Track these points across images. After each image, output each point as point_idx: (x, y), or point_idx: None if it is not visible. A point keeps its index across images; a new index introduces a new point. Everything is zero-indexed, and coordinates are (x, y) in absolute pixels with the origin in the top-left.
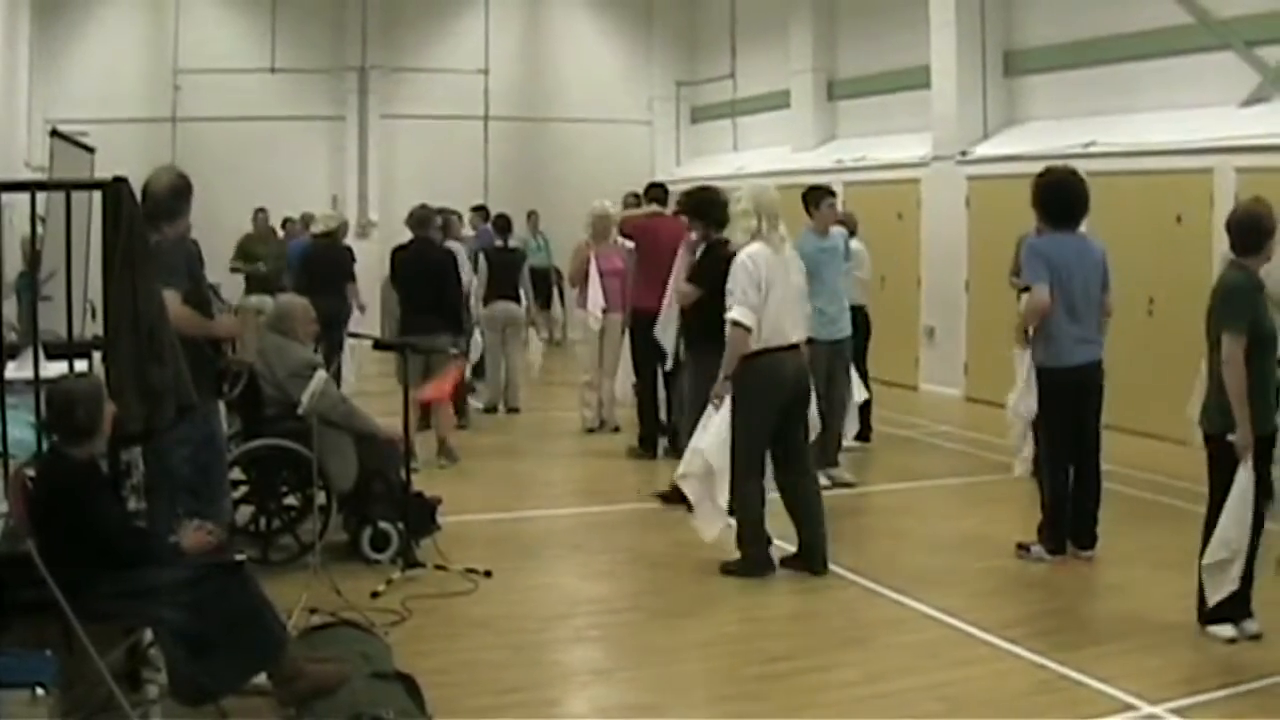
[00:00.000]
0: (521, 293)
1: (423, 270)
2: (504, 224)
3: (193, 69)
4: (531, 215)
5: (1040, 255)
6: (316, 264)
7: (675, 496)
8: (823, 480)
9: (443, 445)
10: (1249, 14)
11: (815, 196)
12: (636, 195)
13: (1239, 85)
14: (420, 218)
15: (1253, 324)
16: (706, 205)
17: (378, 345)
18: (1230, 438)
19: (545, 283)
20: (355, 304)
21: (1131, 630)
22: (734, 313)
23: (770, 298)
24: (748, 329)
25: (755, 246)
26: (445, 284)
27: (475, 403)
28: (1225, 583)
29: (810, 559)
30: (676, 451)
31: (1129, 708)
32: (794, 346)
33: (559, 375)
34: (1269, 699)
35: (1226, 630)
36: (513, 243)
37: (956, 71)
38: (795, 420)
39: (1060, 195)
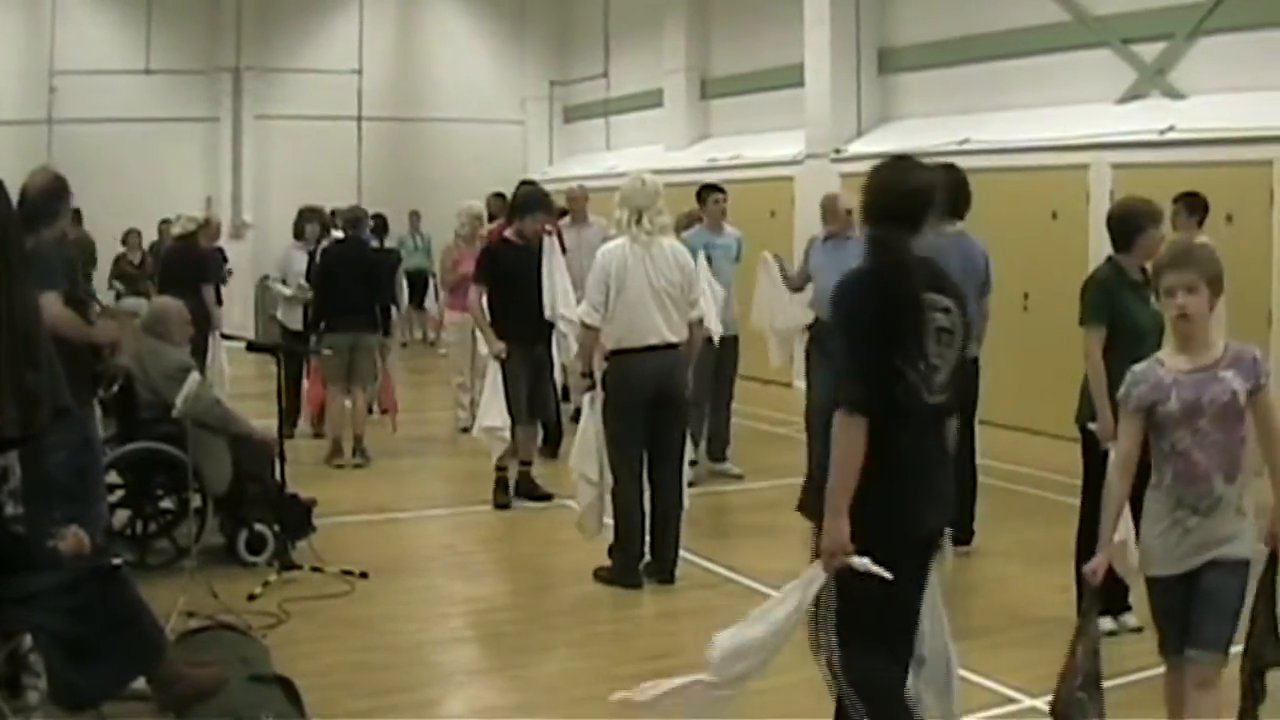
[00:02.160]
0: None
1: (356, 270)
2: (381, 225)
3: (69, 70)
4: (413, 215)
5: None
6: (173, 266)
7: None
8: (693, 476)
9: (358, 442)
10: (1125, 11)
11: (702, 194)
12: (500, 195)
13: (1115, 82)
14: (352, 217)
15: (1116, 318)
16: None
17: (251, 347)
18: (1091, 426)
19: (422, 283)
20: (212, 306)
21: (1011, 624)
22: (579, 310)
23: (622, 297)
24: (589, 326)
25: (612, 244)
26: (377, 284)
27: (347, 403)
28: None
29: (658, 567)
30: (550, 447)
31: (1010, 701)
32: (657, 347)
33: (432, 376)
34: (1148, 691)
35: (1106, 623)
36: (388, 243)
37: (830, 69)
38: (662, 423)
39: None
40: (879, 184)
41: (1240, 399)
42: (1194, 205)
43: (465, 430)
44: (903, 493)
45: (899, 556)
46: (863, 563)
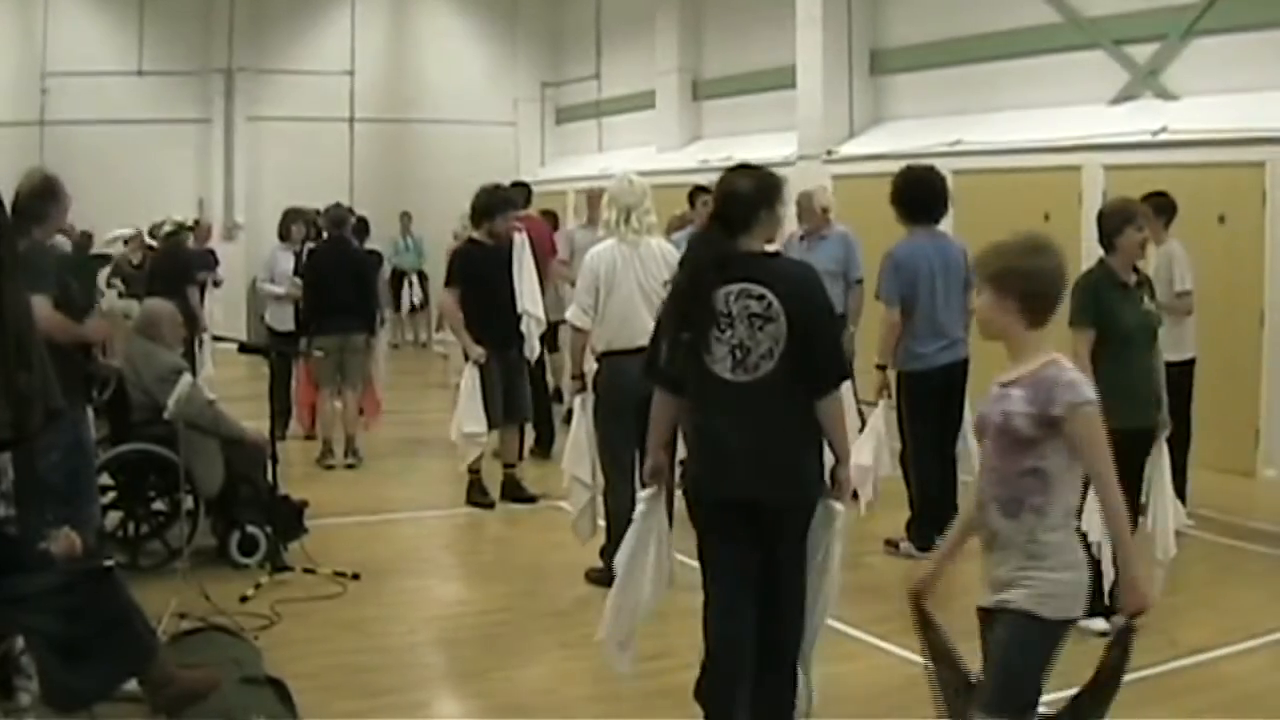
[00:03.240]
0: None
1: (342, 269)
2: (363, 226)
3: (61, 71)
4: (405, 216)
5: (898, 269)
6: (157, 267)
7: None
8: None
9: (350, 443)
10: (1117, 12)
11: (693, 196)
12: (523, 184)
13: (1108, 83)
14: (336, 217)
15: (1103, 320)
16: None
17: (243, 349)
18: None
19: (412, 284)
20: (196, 308)
21: None
22: (568, 313)
23: (613, 298)
24: (578, 329)
25: (602, 245)
26: (363, 283)
27: (337, 404)
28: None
29: None
30: (542, 449)
31: None
32: (647, 348)
33: (425, 378)
34: (1140, 692)
35: (1099, 624)
36: (371, 245)
37: (822, 70)
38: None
39: (919, 191)
40: (715, 189)
41: (1016, 424)
42: (1161, 205)
43: None
44: (702, 459)
45: (705, 513)
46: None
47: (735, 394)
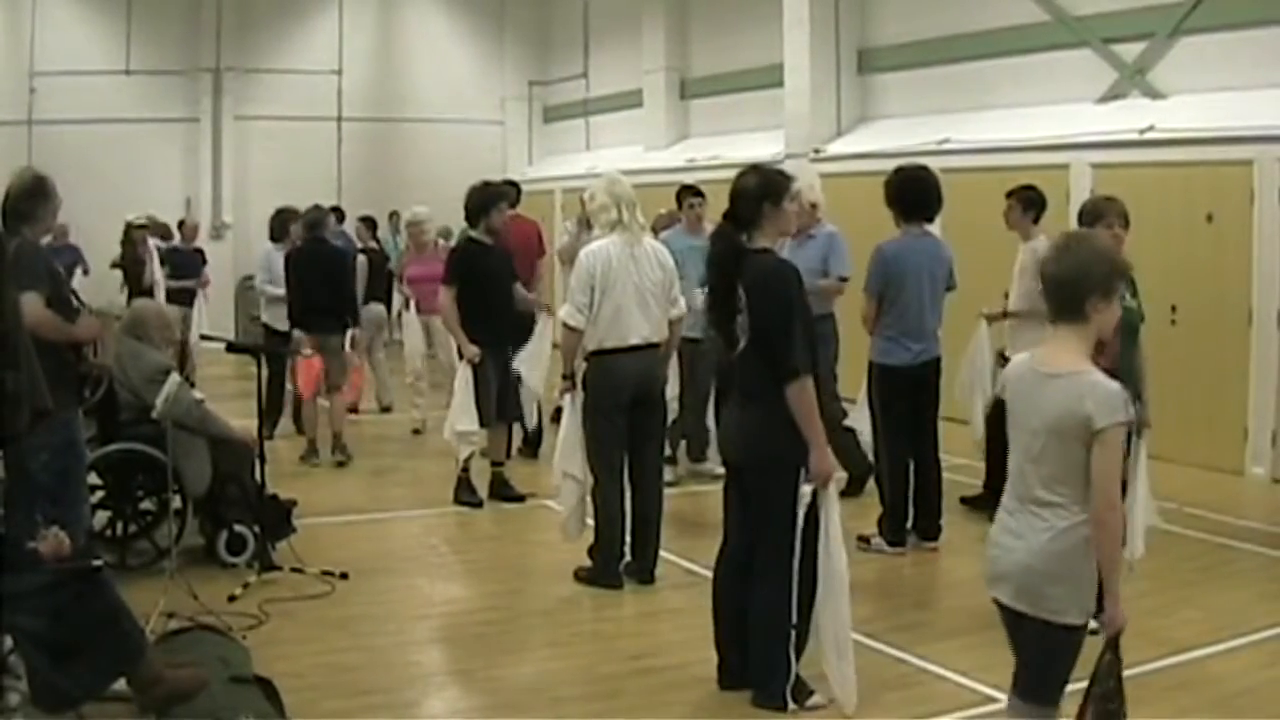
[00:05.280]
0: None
1: (320, 270)
2: (373, 226)
3: (48, 71)
4: (393, 216)
5: (886, 264)
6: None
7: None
8: (672, 476)
9: (337, 440)
10: (1105, 11)
11: (681, 196)
12: (512, 183)
13: (1095, 82)
14: (311, 220)
15: None
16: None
17: (230, 348)
18: None
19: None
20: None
21: (989, 623)
22: (561, 312)
23: (608, 297)
24: (571, 329)
25: (598, 244)
26: (342, 283)
27: (324, 403)
28: None
29: (638, 568)
30: (530, 448)
31: (989, 700)
32: (639, 347)
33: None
34: (1129, 691)
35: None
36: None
37: (810, 69)
38: (642, 423)
39: (914, 190)
40: (731, 188)
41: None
42: (1029, 200)
43: (416, 432)
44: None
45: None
46: None
47: (729, 369)
